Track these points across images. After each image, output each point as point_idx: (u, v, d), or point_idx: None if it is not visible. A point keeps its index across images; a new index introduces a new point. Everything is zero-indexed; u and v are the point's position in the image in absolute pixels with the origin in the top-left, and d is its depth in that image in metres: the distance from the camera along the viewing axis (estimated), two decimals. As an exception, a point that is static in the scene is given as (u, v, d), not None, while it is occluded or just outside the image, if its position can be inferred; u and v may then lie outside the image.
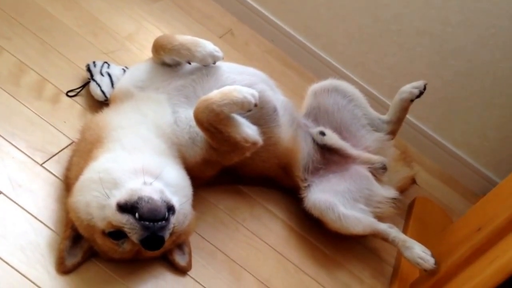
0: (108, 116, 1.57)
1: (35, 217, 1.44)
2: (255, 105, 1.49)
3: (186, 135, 1.55)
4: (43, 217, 1.45)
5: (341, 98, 2.00)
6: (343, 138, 1.97)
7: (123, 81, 1.69)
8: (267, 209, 1.90)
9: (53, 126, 1.70)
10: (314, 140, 1.93)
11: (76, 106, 1.81)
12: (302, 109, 2.02)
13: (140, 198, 1.27)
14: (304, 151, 1.88)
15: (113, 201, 1.30)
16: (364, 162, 1.95)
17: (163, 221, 1.27)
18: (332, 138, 1.92)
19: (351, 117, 2.00)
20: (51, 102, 1.77)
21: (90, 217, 1.33)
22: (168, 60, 1.67)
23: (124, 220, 1.27)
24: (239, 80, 1.67)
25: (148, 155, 1.44)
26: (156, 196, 1.29)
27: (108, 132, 1.50)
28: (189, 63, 1.66)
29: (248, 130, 1.56)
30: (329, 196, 1.80)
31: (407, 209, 2.27)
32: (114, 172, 1.35)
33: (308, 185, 1.86)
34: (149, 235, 1.25)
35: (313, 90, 2.03)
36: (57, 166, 1.59)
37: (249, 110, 1.50)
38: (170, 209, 1.32)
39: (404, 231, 1.88)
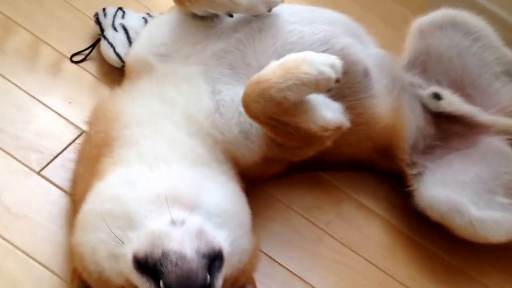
0: (119, 102, 1.26)
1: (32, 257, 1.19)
2: (337, 80, 1.13)
3: (234, 127, 1.21)
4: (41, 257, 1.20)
5: (462, 36, 1.57)
6: (467, 98, 1.54)
7: (138, 46, 1.37)
8: (361, 204, 1.54)
9: (54, 111, 1.40)
10: (424, 106, 1.52)
11: (85, 76, 1.51)
12: (403, 57, 1.58)
13: (165, 254, 0.94)
14: (411, 125, 1.49)
15: (129, 252, 0.98)
16: (501, 131, 1.53)
17: None
18: (453, 102, 1.51)
19: (478, 65, 1.57)
20: (49, 73, 1.49)
21: (100, 269, 1.05)
22: (200, 12, 1.29)
23: (145, 286, 0.97)
24: (309, 34, 1.31)
25: (177, 169, 1.12)
26: (190, 251, 0.95)
27: (119, 129, 1.20)
28: (231, 16, 1.27)
29: (327, 114, 1.21)
30: (452, 191, 1.40)
31: None
32: (127, 202, 1.04)
33: (419, 173, 1.47)
34: None
35: (419, 26, 1.58)
36: (59, 172, 1.34)
37: (328, 90, 1.14)
38: (216, 258, 0.98)
39: None
